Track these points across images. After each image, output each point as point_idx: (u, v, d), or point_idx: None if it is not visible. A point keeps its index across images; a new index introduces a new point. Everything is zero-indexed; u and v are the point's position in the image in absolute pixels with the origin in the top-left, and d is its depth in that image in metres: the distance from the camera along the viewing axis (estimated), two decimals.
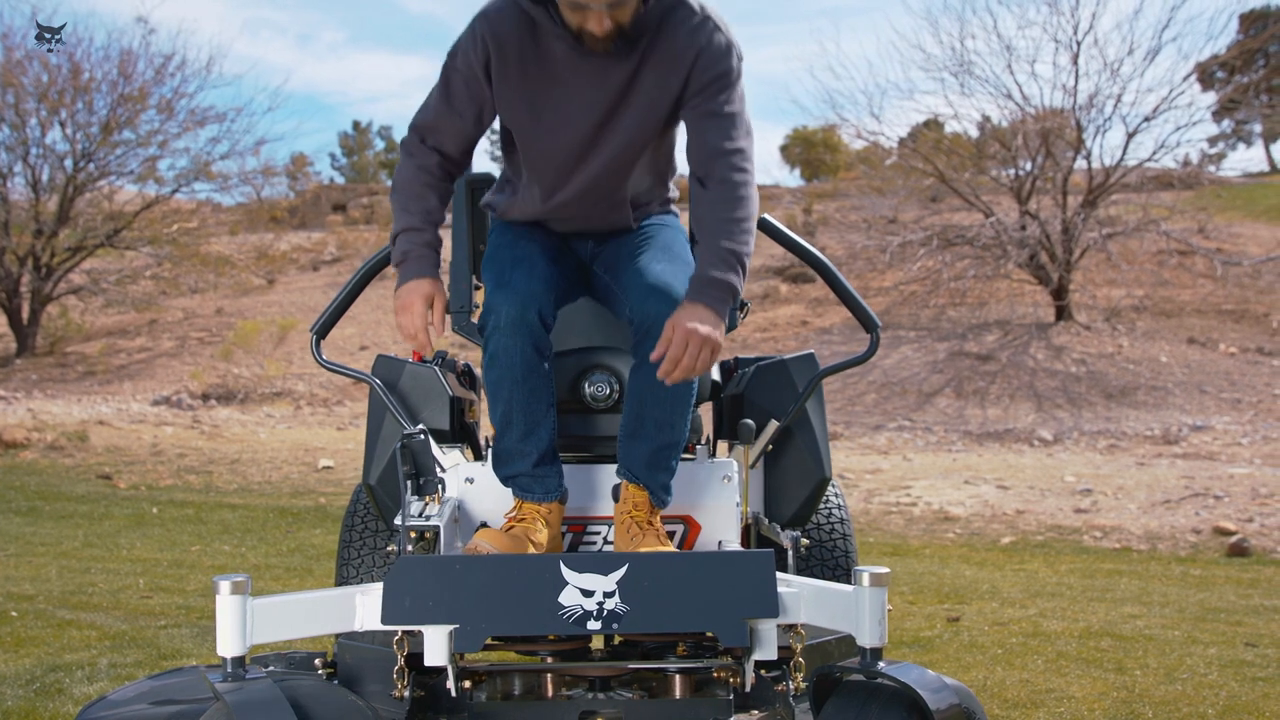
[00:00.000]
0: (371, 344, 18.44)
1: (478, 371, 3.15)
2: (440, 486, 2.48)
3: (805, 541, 2.94)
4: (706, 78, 2.46)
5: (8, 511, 8.35)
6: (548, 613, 2.09)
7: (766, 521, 2.92)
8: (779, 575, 2.21)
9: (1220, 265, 17.76)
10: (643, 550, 2.45)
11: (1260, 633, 4.72)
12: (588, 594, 2.10)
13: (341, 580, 3.26)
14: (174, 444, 12.81)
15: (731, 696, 2.44)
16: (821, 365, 3.00)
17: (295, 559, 6.56)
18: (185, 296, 22.22)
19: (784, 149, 36.18)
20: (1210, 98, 21.83)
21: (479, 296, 2.95)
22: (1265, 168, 33.11)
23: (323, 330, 3.00)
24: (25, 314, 19.54)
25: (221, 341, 19.26)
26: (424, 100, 2.59)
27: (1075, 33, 17.08)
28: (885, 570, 2.09)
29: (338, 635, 2.47)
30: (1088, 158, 17.48)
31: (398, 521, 2.43)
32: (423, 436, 2.47)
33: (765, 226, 3.10)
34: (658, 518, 2.60)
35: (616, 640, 2.66)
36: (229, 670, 2.04)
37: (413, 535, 2.42)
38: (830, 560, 3.24)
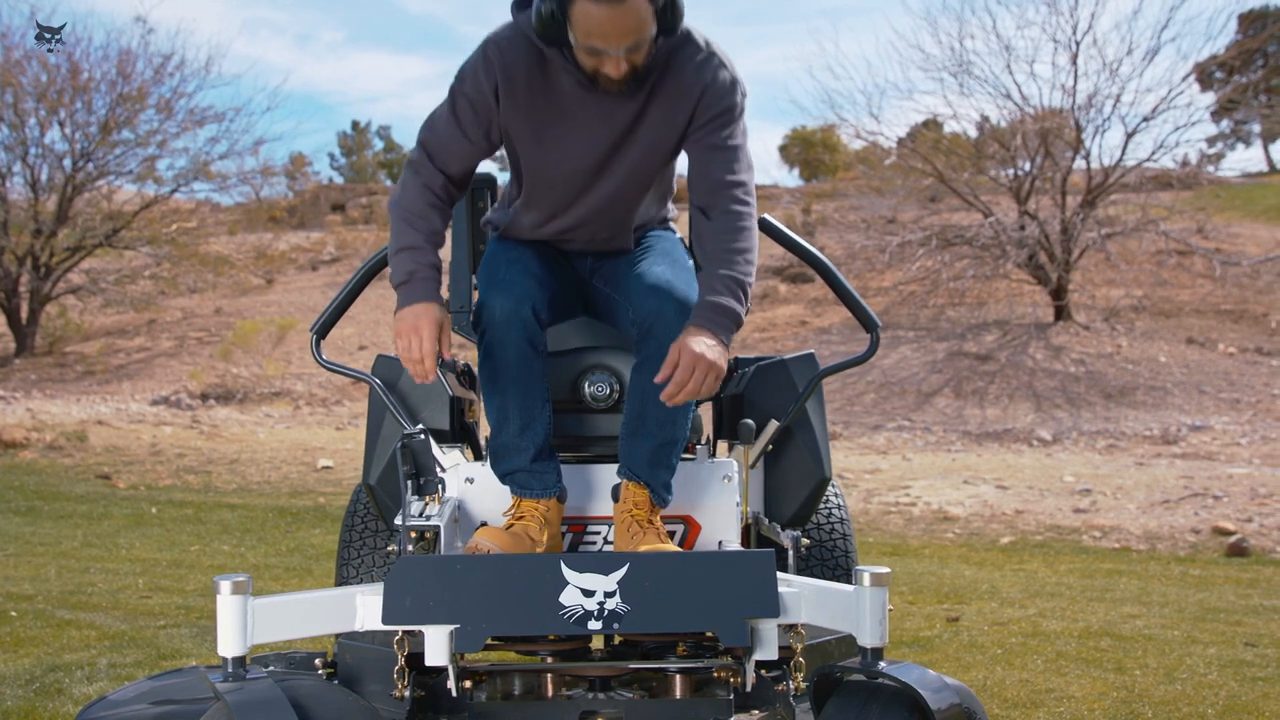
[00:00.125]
0: (370, 344, 18.44)
1: (477, 371, 3.15)
2: (440, 486, 2.48)
3: (806, 541, 2.94)
4: (711, 113, 2.50)
5: (7, 511, 8.34)
6: (548, 613, 2.09)
7: (767, 521, 2.92)
8: (779, 575, 2.21)
9: (1219, 265, 17.78)
10: (643, 549, 2.46)
11: (1260, 632, 4.72)
12: (588, 594, 2.10)
13: (341, 580, 3.26)
14: (173, 444, 12.80)
15: (732, 696, 2.44)
16: (821, 365, 3.00)
17: (294, 559, 6.56)
18: (184, 296, 22.22)
19: (783, 149, 36.21)
20: (1209, 98, 21.84)
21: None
22: (1264, 168, 33.15)
23: (323, 330, 3.00)
24: (24, 314, 19.54)
25: (220, 341, 19.26)
26: (429, 119, 2.56)
27: (1074, 33, 17.11)
28: (886, 570, 2.09)
29: (338, 635, 2.47)
30: (1086, 158, 17.50)
31: (398, 521, 2.43)
32: (423, 436, 2.47)
33: (765, 226, 3.09)
34: (658, 516, 2.60)
35: (616, 640, 2.66)
36: (229, 670, 2.04)
37: (413, 535, 2.42)
38: (830, 560, 3.24)
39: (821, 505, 3.29)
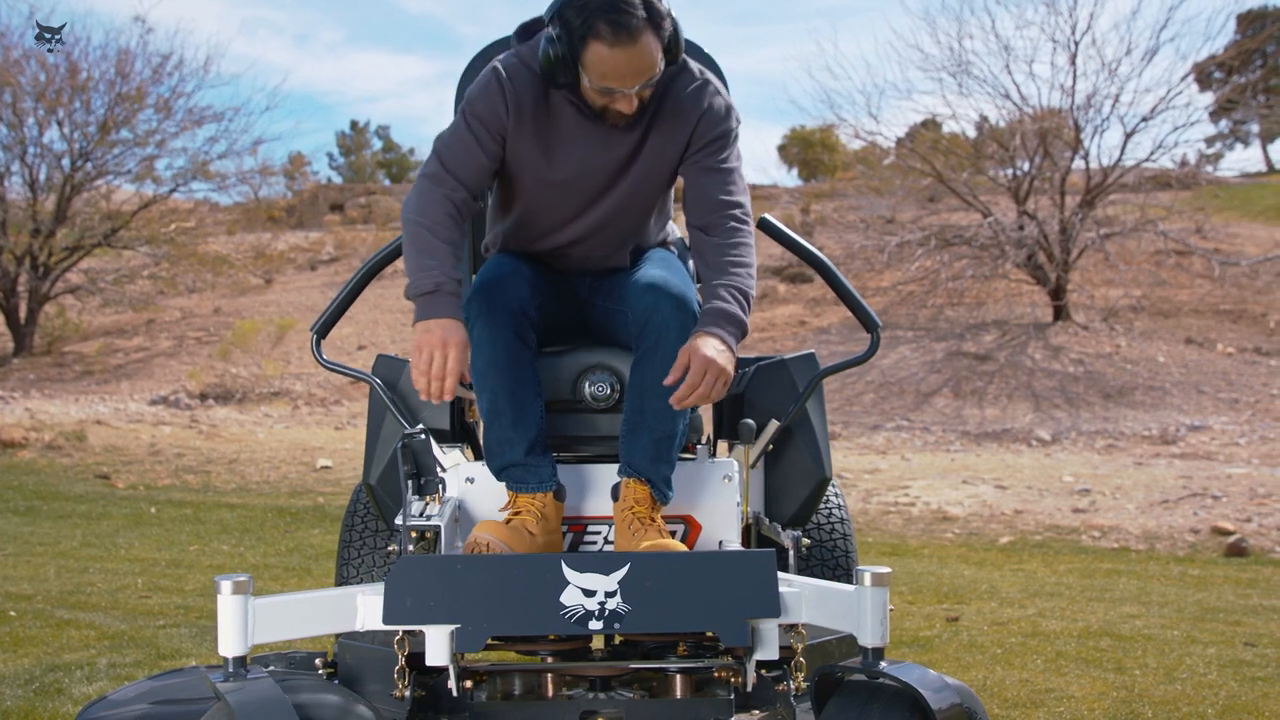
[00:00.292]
0: (369, 344, 18.43)
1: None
2: (441, 486, 2.48)
3: (806, 541, 2.94)
4: (708, 137, 2.58)
5: (5, 511, 8.34)
6: (549, 613, 2.09)
7: (767, 521, 2.92)
8: (780, 575, 2.21)
9: (1218, 265, 17.78)
10: (645, 545, 2.46)
11: (1259, 632, 4.73)
12: (589, 594, 2.10)
13: (341, 580, 3.25)
14: (172, 444, 12.80)
15: (732, 696, 2.45)
16: (821, 365, 3.00)
17: (294, 559, 6.56)
18: (183, 296, 22.20)
19: (781, 149, 36.18)
20: (1208, 98, 21.85)
21: None
22: (1262, 168, 33.17)
23: (323, 330, 3.00)
24: (23, 313, 19.52)
25: (219, 341, 19.25)
26: (443, 137, 2.58)
27: (1073, 33, 17.11)
28: (887, 570, 2.09)
29: (338, 635, 2.47)
30: (1085, 158, 17.50)
31: (398, 521, 2.43)
32: (423, 436, 2.47)
33: (765, 226, 3.10)
34: (659, 514, 2.60)
35: (617, 640, 2.66)
36: (230, 670, 2.04)
37: (413, 535, 2.42)
38: (830, 560, 3.25)
39: (822, 505, 3.29)
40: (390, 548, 3.04)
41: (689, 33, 2.65)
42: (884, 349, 16.50)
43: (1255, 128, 31.74)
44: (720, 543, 2.73)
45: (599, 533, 2.74)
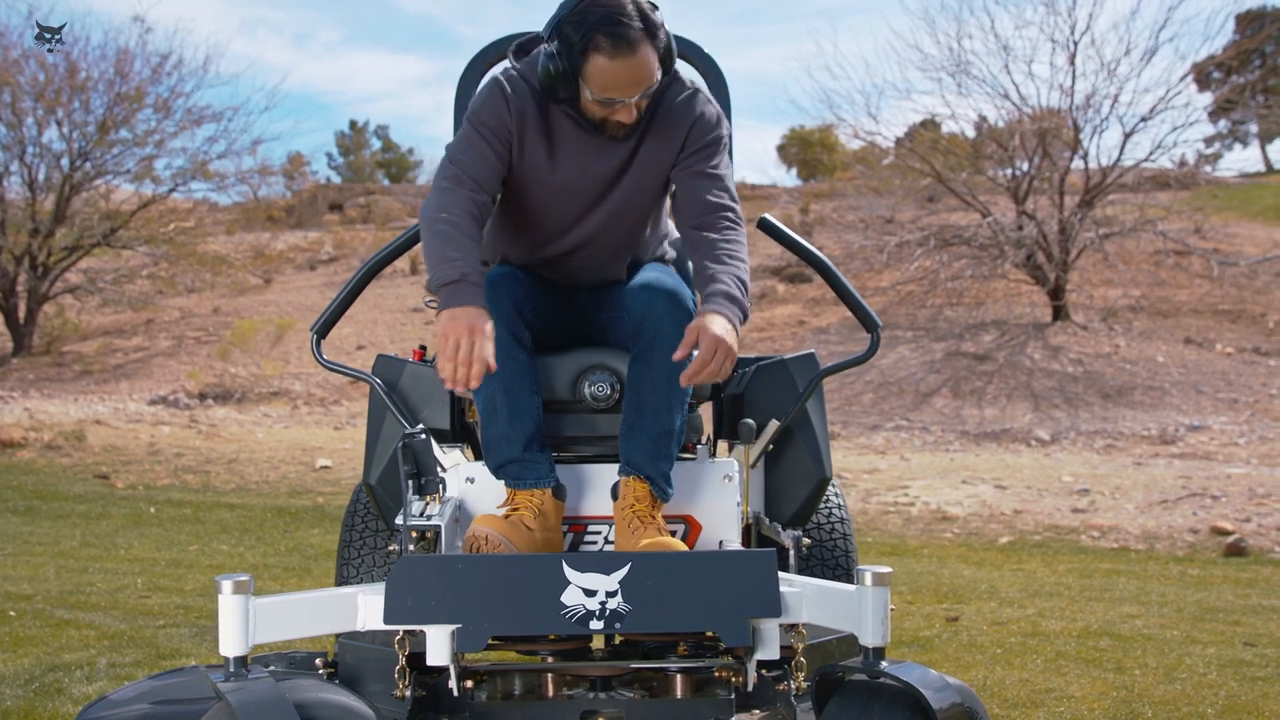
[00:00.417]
0: (368, 343, 18.43)
1: None
2: (441, 486, 2.49)
3: (806, 541, 2.94)
4: (700, 143, 2.65)
5: (5, 511, 8.33)
6: (550, 612, 2.09)
7: (767, 521, 2.92)
8: (781, 574, 2.21)
9: (1217, 265, 17.80)
10: (644, 543, 2.46)
11: (1259, 632, 4.73)
12: (590, 593, 2.10)
13: (341, 580, 3.25)
14: (171, 443, 12.80)
15: (733, 696, 2.45)
16: (821, 365, 3.00)
17: (293, 559, 6.56)
18: (182, 296, 22.20)
19: (781, 149, 36.20)
20: (1207, 98, 21.86)
21: None
22: (1261, 168, 33.21)
23: (323, 330, 3.00)
24: (22, 313, 19.52)
25: (218, 341, 19.24)
26: (454, 145, 2.62)
27: (1072, 33, 17.13)
28: (888, 570, 2.09)
29: (338, 635, 2.47)
30: (1085, 158, 17.51)
31: (399, 521, 2.43)
32: (423, 436, 2.47)
33: (765, 226, 3.11)
34: (659, 512, 2.60)
35: (617, 640, 2.66)
36: (231, 670, 2.04)
37: (414, 535, 2.42)
38: (830, 560, 3.25)
39: (822, 505, 3.29)
40: (390, 547, 3.04)
41: (689, 33, 2.69)
42: (883, 349, 16.50)
43: (1254, 128, 31.77)
44: (720, 543, 2.73)
45: (599, 533, 2.74)
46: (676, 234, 2.94)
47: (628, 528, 2.55)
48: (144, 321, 20.98)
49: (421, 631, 2.16)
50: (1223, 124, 30.45)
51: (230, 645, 2.05)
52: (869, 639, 2.07)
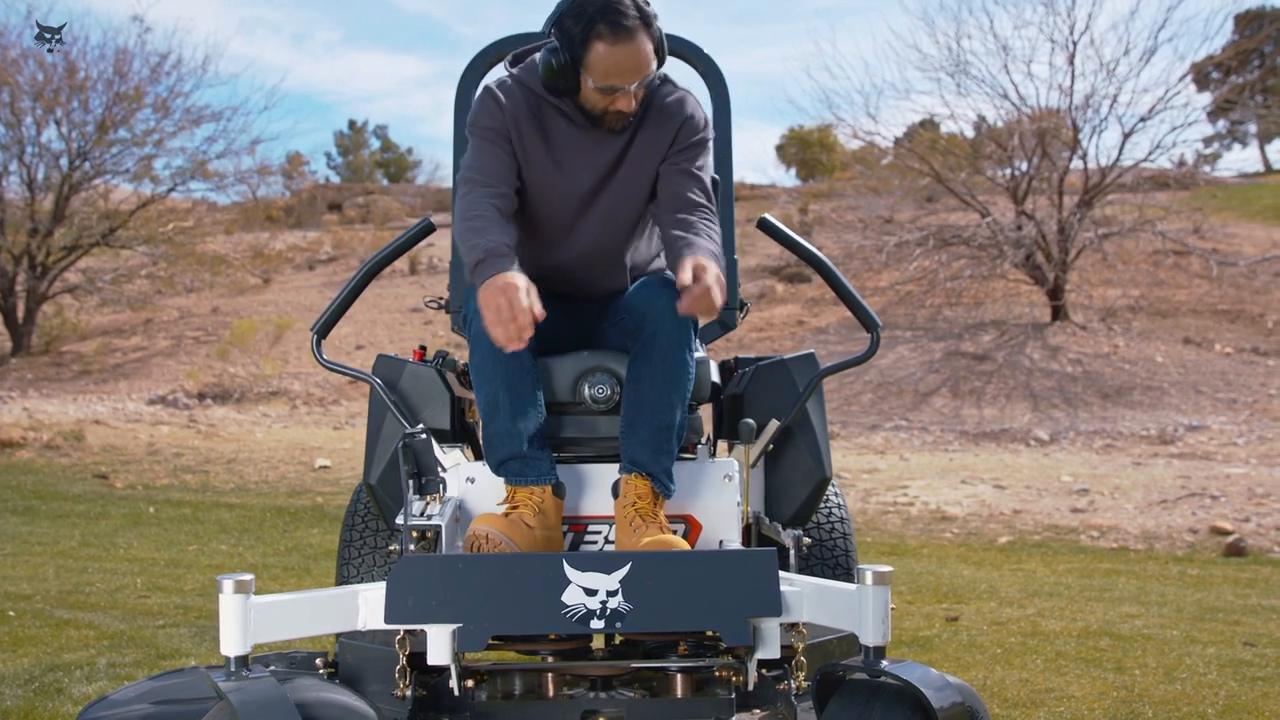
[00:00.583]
0: (368, 343, 18.43)
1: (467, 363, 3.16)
2: (441, 486, 2.49)
3: (807, 541, 2.94)
4: (688, 142, 2.75)
5: (4, 511, 8.33)
6: (551, 612, 2.09)
7: (767, 521, 2.92)
8: (781, 574, 2.22)
9: (1215, 265, 17.80)
10: (646, 541, 2.47)
11: (1258, 632, 4.73)
12: (591, 593, 2.10)
13: (342, 580, 3.26)
14: (170, 443, 12.79)
15: (733, 695, 2.44)
16: (821, 365, 3.00)
17: (293, 558, 6.56)
18: (181, 295, 22.19)
19: (780, 149, 36.19)
20: (1206, 98, 21.88)
21: None
22: (1260, 168, 33.23)
23: (323, 330, 3.00)
24: (20, 313, 19.50)
25: (217, 341, 19.23)
26: (467, 159, 2.70)
27: (1071, 33, 17.13)
28: (888, 569, 2.09)
29: (339, 635, 2.47)
30: (1084, 158, 17.52)
31: (399, 521, 2.43)
32: (424, 436, 2.47)
33: (765, 226, 3.12)
34: (661, 509, 2.60)
35: (618, 639, 2.66)
36: (232, 669, 2.04)
37: (414, 534, 2.42)
38: (830, 559, 3.25)
39: (821, 505, 3.29)
40: (391, 547, 3.04)
41: (689, 33, 2.72)
42: (882, 349, 16.49)
43: (1253, 128, 31.78)
44: (720, 542, 2.73)
45: (600, 532, 2.74)
46: None
47: (629, 525, 2.56)
48: (143, 321, 20.97)
49: (422, 631, 2.16)
50: (1222, 124, 30.49)
51: (231, 645, 2.05)
52: (869, 638, 2.07)
